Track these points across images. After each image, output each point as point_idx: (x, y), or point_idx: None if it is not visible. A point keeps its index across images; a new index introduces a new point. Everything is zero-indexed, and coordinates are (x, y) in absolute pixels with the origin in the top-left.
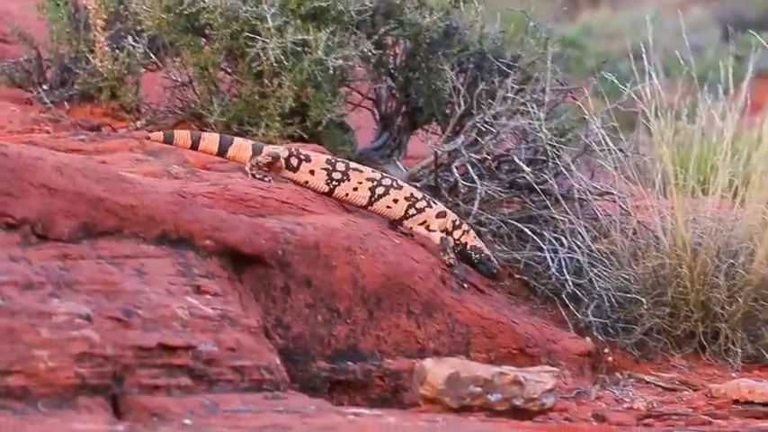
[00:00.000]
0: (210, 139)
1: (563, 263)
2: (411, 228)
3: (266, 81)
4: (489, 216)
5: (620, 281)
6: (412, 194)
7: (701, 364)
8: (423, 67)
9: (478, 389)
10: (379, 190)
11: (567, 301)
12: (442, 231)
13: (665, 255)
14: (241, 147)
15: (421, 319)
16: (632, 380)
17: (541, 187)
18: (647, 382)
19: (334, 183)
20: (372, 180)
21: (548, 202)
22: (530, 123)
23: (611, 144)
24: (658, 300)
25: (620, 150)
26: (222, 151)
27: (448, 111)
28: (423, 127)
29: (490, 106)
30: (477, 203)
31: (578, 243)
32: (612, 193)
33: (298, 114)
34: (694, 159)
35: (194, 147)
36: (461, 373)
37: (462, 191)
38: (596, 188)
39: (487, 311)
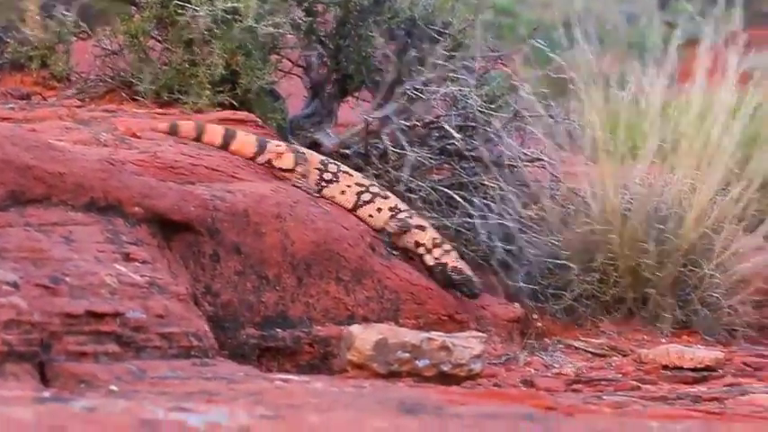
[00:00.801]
0: (214, 132)
1: (493, 229)
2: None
3: (196, 49)
4: (419, 183)
5: (550, 247)
6: (396, 205)
7: (630, 329)
8: (353, 35)
9: (406, 355)
10: (366, 196)
11: (497, 268)
12: (420, 246)
13: (594, 221)
14: (245, 142)
15: (350, 285)
16: (561, 346)
17: (471, 154)
18: (576, 348)
19: (323, 183)
20: (361, 185)
21: (478, 169)
22: (460, 90)
23: (541, 111)
24: (588, 266)
25: (551, 117)
26: (225, 144)
27: (378, 78)
28: (353, 94)
29: (420, 73)
30: (407, 170)
31: (508, 209)
32: (542, 160)
33: (228, 82)
34: (624, 126)
35: (198, 139)
36: (389, 338)
37: (392, 158)
38: (526, 155)
39: (417, 278)
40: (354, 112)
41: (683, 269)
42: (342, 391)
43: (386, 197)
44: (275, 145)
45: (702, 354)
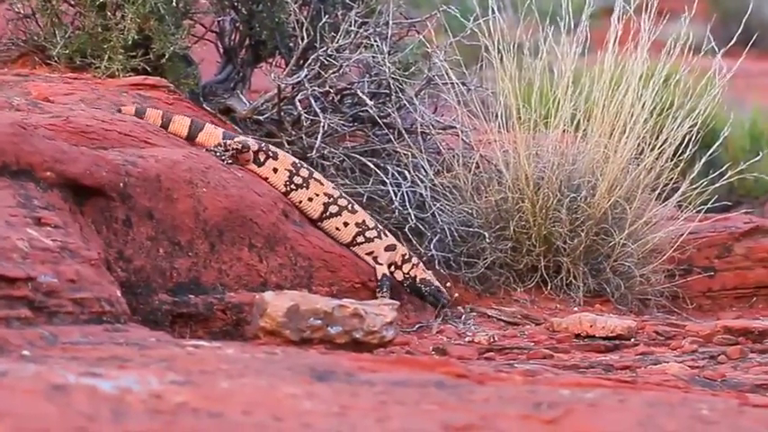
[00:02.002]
0: (181, 123)
1: (406, 197)
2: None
3: (109, 13)
4: (332, 149)
5: (463, 215)
6: (364, 221)
7: (542, 298)
8: (266, 0)
9: (318, 321)
10: (333, 209)
11: (410, 235)
12: (390, 265)
13: (507, 189)
14: (211, 134)
15: (263, 252)
16: (474, 314)
17: (384, 121)
18: (489, 317)
19: (292, 186)
20: (329, 196)
21: (391, 136)
22: (373, 57)
23: (454, 78)
24: (501, 234)
25: (464, 84)
26: (192, 136)
27: (291, 44)
28: (266, 60)
29: (333, 39)
30: (320, 137)
31: (421, 177)
32: (455, 127)
33: (141, 47)
34: (537, 94)
35: (164, 127)
36: (301, 305)
37: (305, 124)
38: (439, 122)
39: (330, 245)
40: (267, 79)
41: (595, 238)
42: (253, 357)
43: (353, 212)
44: (243, 138)
45: (614, 322)
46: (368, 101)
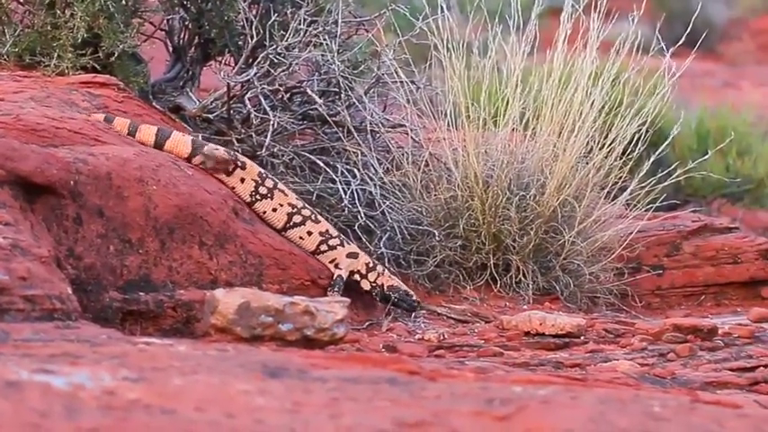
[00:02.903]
0: (147, 132)
1: (355, 195)
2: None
3: (59, 11)
4: (282, 148)
5: (413, 213)
6: (327, 231)
7: (492, 296)
8: None
9: (269, 319)
10: (297, 218)
11: (360, 233)
12: (354, 273)
13: (456, 187)
14: (179, 142)
15: (213, 250)
16: (424, 312)
17: (334, 119)
18: (438, 314)
19: (257, 197)
20: (293, 207)
21: (340, 134)
22: (322, 55)
23: (403, 77)
24: (450, 232)
25: (413, 83)
26: (159, 144)
27: (241, 42)
28: (216, 58)
29: (283, 38)
30: (269, 135)
31: (371, 175)
32: (405, 126)
33: (90, 45)
34: (486, 92)
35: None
36: (252, 302)
37: (255, 122)
38: (389, 120)
39: (280, 243)
40: (217, 77)
41: (544, 236)
42: (205, 354)
43: (317, 221)
44: (213, 148)
45: (564, 320)
46: (317, 99)
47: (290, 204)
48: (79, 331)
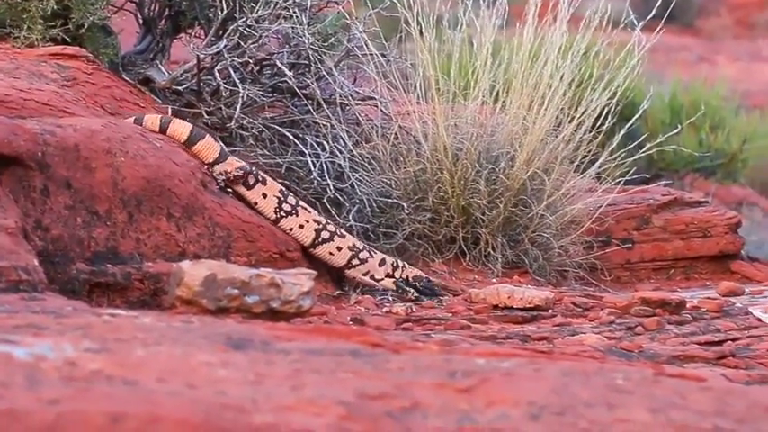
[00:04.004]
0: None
1: (325, 167)
2: (354, 278)
3: None
4: (251, 120)
5: (382, 186)
6: (354, 245)
7: (461, 269)
8: None
9: (235, 291)
10: (325, 234)
11: (329, 206)
12: (389, 277)
13: (426, 160)
14: (210, 146)
15: (181, 222)
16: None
17: (304, 92)
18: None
19: (282, 213)
20: (318, 222)
21: (310, 107)
22: (292, 28)
23: (373, 49)
24: (419, 205)
25: (383, 56)
26: (190, 143)
27: (211, 15)
28: (186, 31)
29: (253, 10)
30: (239, 107)
31: (340, 148)
32: (374, 99)
33: (60, 17)
34: (456, 66)
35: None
36: (219, 274)
37: (224, 95)
38: (358, 93)
39: (248, 215)
40: (187, 49)
41: (513, 209)
42: (169, 325)
43: (343, 236)
44: (235, 159)
45: (532, 294)
46: (287, 72)
47: (315, 221)
48: (45, 303)
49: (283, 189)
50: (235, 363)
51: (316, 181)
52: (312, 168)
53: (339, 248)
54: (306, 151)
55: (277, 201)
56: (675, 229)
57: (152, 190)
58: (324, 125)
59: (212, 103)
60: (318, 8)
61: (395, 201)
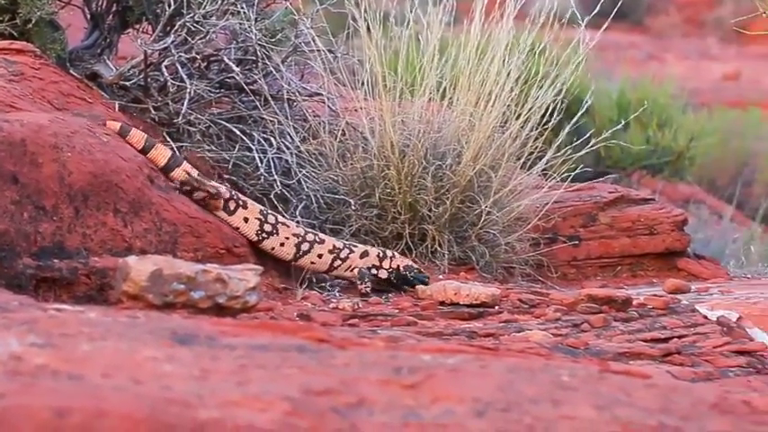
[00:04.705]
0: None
1: (272, 163)
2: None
3: None
4: (199, 116)
5: (329, 182)
6: (334, 246)
7: None
8: None
9: (182, 286)
10: (304, 246)
11: (276, 202)
12: (371, 268)
13: (373, 156)
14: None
15: (128, 217)
16: (339, 281)
17: (251, 88)
18: (353, 283)
19: (263, 235)
20: (297, 236)
21: (257, 103)
22: (240, 24)
23: (320, 45)
24: (366, 201)
25: (331, 52)
26: (168, 169)
27: (158, 10)
28: (134, 26)
29: (200, 6)
30: (186, 103)
31: (287, 144)
32: (322, 95)
33: (7, 12)
34: (403, 62)
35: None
36: (165, 270)
37: (172, 90)
38: (306, 89)
39: (195, 210)
40: (134, 45)
41: (460, 206)
42: (115, 320)
43: (322, 241)
44: (215, 183)
45: (479, 290)
46: (234, 67)
47: (294, 234)
48: None
49: (263, 209)
50: (180, 358)
51: (263, 177)
52: (259, 164)
53: (320, 255)
54: (253, 147)
55: (258, 222)
56: (622, 227)
57: (99, 185)
58: (271, 121)
59: (159, 99)
60: (266, 4)
61: (342, 197)
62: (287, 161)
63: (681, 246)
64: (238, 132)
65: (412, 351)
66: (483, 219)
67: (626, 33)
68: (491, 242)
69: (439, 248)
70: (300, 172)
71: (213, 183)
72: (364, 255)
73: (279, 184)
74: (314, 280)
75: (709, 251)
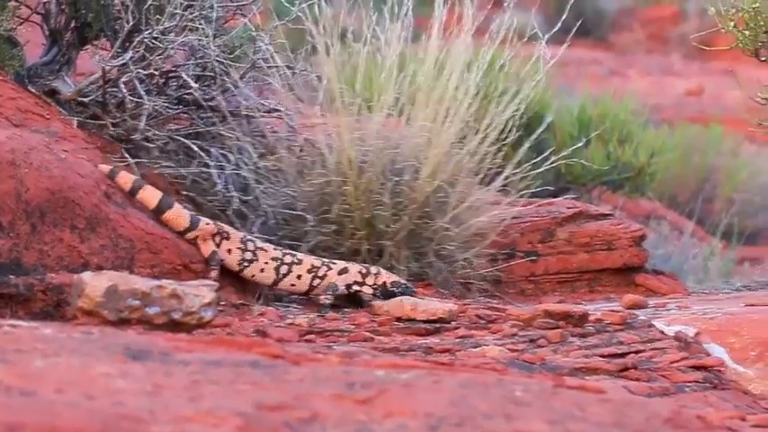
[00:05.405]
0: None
1: (230, 179)
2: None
3: None
4: (157, 132)
5: (287, 198)
6: (312, 265)
7: None
8: None
9: (137, 302)
10: (283, 269)
11: (234, 218)
12: (352, 285)
13: (330, 172)
14: (179, 215)
15: (85, 233)
16: (296, 296)
17: (209, 104)
18: (310, 299)
19: (245, 263)
20: (276, 260)
21: (215, 119)
22: (198, 40)
23: (279, 62)
24: (324, 217)
25: (289, 68)
26: (159, 211)
27: (117, 27)
28: (92, 42)
29: (159, 22)
30: (144, 119)
31: (245, 160)
32: (280, 111)
33: None
34: (361, 78)
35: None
36: (120, 285)
37: (130, 106)
38: (264, 105)
39: (152, 226)
40: (93, 61)
41: (418, 222)
42: (70, 336)
43: (300, 262)
44: (205, 223)
45: (436, 306)
46: (192, 84)
47: (273, 258)
48: None
49: (243, 236)
50: (133, 374)
51: (221, 193)
52: (217, 180)
53: (299, 277)
54: (211, 163)
55: (240, 252)
56: (580, 242)
57: (56, 201)
58: (229, 137)
59: (118, 115)
60: (225, 20)
61: (299, 213)
62: (245, 177)
63: (639, 261)
64: (196, 148)
65: (366, 366)
66: (440, 234)
67: (589, 49)
68: (449, 258)
69: (396, 264)
70: (258, 188)
71: (204, 220)
72: (343, 271)
73: (237, 200)
74: (270, 297)
75: (669, 267)
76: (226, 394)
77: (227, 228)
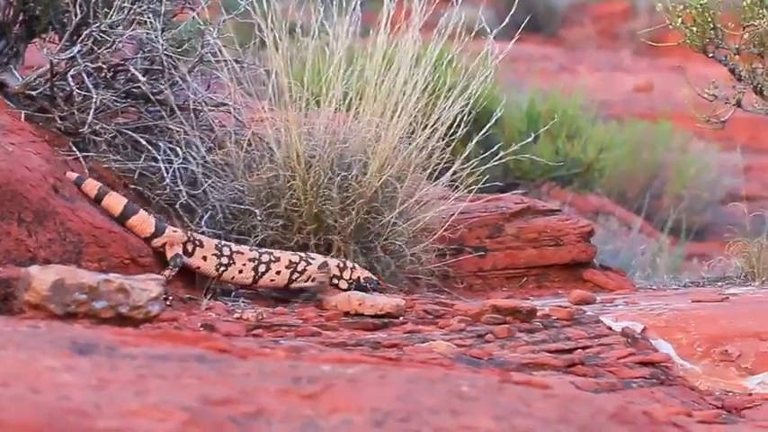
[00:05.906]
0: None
1: (177, 173)
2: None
3: None
4: (105, 126)
5: (235, 192)
6: (290, 261)
7: None
8: None
9: (84, 296)
10: (261, 268)
11: (182, 212)
12: (332, 278)
13: (278, 167)
14: (144, 221)
15: (32, 227)
16: (244, 291)
17: (157, 97)
18: (258, 293)
19: (222, 268)
20: (253, 260)
21: (163, 113)
22: (147, 33)
23: (227, 56)
24: (272, 211)
25: (237, 62)
26: (124, 217)
27: (65, 20)
28: (40, 35)
29: (107, 15)
30: (92, 112)
31: (193, 154)
32: (228, 105)
33: None
34: (309, 72)
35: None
36: (67, 279)
37: (78, 100)
38: (212, 99)
39: (100, 220)
40: (41, 54)
41: (366, 216)
42: (15, 330)
43: (277, 259)
44: (172, 230)
45: (383, 301)
46: (140, 77)
47: (250, 260)
48: None
49: (218, 242)
50: (79, 368)
51: (168, 187)
52: (165, 174)
53: (278, 273)
54: (159, 157)
55: (216, 258)
56: (528, 238)
57: (3, 194)
58: (177, 131)
59: (66, 109)
60: (173, 14)
61: (247, 207)
62: (193, 171)
63: (587, 257)
64: (144, 142)
65: (312, 361)
66: (388, 229)
67: (540, 45)
68: (397, 253)
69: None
70: (206, 182)
71: (171, 228)
72: (323, 266)
73: (184, 194)
74: (218, 291)
75: (617, 262)
76: (172, 389)
77: (198, 235)
